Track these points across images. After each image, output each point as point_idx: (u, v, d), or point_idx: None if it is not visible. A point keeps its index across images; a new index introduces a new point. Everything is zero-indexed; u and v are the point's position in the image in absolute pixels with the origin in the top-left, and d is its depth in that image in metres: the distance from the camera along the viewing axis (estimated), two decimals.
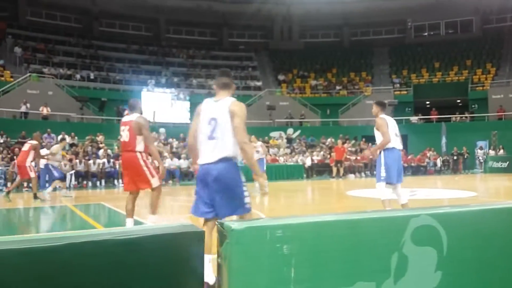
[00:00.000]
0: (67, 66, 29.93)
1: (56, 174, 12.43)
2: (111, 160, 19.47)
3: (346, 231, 2.37)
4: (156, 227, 2.03)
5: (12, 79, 25.63)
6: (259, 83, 34.66)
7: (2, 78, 25.89)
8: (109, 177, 19.35)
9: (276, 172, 21.00)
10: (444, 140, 27.63)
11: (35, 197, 11.88)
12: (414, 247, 2.52)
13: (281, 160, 23.81)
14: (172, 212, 10.54)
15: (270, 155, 23.48)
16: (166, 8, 36.25)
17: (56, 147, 13.13)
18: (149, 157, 6.18)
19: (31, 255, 1.65)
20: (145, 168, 5.92)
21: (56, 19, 34.73)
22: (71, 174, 18.11)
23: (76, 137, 21.61)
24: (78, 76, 29.51)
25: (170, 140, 24.22)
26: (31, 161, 11.95)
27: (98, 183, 18.91)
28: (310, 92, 34.34)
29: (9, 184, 16.86)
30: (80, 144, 20.67)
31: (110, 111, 26.94)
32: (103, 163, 19.17)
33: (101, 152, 20.19)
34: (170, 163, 20.17)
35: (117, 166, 19.10)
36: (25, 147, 12.10)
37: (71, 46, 32.36)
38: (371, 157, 7.33)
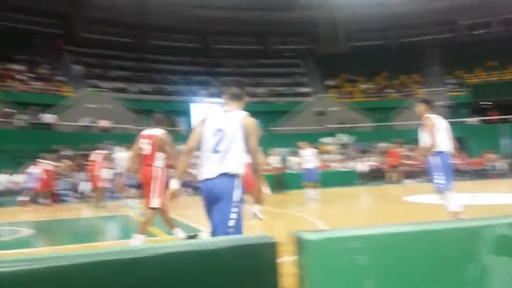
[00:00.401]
0: (122, 80, 31.19)
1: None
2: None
3: (424, 241, 2.38)
4: (234, 238, 2.12)
5: (72, 94, 27.01)
6: (307, 90, 34.64)
7: (63, 94, 27.33)
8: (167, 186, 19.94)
9: (328, 178, 20.87)
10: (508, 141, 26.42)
11: (98, 206, 12.36)
12: (492, 257, 2.48)
13: (333, 166, 23.65)
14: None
15: (322, 161, 23.38)
16: (212, 19, 37.03)
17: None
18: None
19: (117, 267, 1.78)
20: (154, 184, 5.85)
21: (109, 35, 36.28)
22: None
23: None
24: (133, 89, 30.68)
25: None
26: (103, 170, 12.55)
27: None
28: (360, 96, 33.93)
29: (73, 194, 17.76)
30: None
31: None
32: None
33: None
34: None
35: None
36: (97, 157, 12.55)
37: (125, 60, 33.70)
38: (417, 161, 6.91)
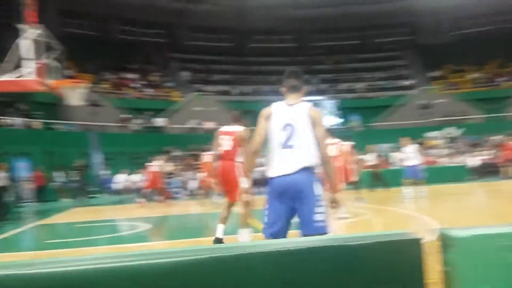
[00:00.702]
0: (224, 83, 32.62)
1: None
2: None
3: None
4: (379, 234, 2.04)
5: (180, 99, 28.85)
6: (409, 82, 33.28)
7: (172, 99, 29.31)
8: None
9: (436, 175, 19.93)
10: None
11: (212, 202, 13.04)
12: None
13: (441, 161, 22.52)
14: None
15: (428, 157, 22.39)
16: (309, 18, 37.12)
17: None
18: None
19: (277, 257, 1.86)
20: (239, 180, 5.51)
21: (211, 41, 38.08)
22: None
23: None
24: (235, 92, 31.93)
25: None
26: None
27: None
28: (467, 87, 31.80)
29: (184, 191, 19.02)
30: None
31: None
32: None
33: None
34: None
35: None
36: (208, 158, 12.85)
37: (226, 64, 35.17)
38: None
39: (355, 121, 29.36)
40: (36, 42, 10.96)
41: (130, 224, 10.74)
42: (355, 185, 12.17)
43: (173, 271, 1.74)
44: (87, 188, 17.67)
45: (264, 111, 3.53)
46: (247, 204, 3.79)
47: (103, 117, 23.02)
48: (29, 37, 11.08)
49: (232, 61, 35.64)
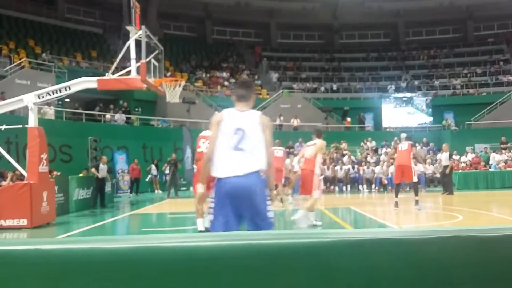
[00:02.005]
0: (312, 80, 32.66)
1: None
2: (355, 166, 20.42)
3: None
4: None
5: (268, 96, 29.41)
6: None
7: (260, 96, 29.95)
8: (353, 182, 20.32)
9: None
10: None
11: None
12: None
13: None
14: (419, 220, 10.57)
15: None
16: (405, 11, 35.77)
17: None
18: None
19: (405, 245, 1.81)
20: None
21: (301, 38, 38.21)
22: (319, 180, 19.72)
23: None
24: (322, 89, 31.85)
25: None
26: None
27: (344, 188, 20.05)
28: None
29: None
30: (327, 151, 22.29)
31: (352, 119, 28.15)
32: (348, 169, 20.25)
33: (345, 158, 21.37)
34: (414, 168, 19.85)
35: (361, 172, 19.98)
36: (279, 153, 12.84)
37: (315, 61, 35.13)
38: None
39: (449, 119, 27.84)
40: (139, 43, 11.87)
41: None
42: (414, 186, 11.84)
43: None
44: (179, 181, 18.75)
45: (216, 117, 3.73)
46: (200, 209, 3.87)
47: (196, 114, 24.22)
48: (133, 38, 12.04)
49: (322, 58, 35.51)
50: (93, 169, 14.51)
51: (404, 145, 11.60)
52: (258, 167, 3.52)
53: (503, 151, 22.10)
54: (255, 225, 3.51)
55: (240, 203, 3.49)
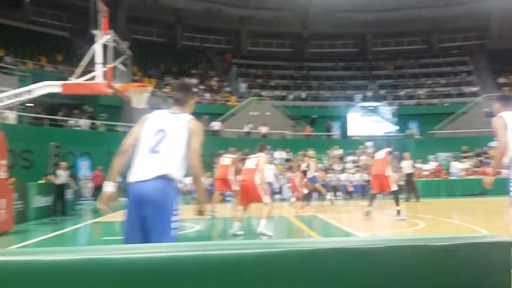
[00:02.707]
0: (282, 88, 32.92)
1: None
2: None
3: None
4: (465, 236, 1.97)
5: (237, 103, 29.44)
6: (475, 89, 31.85)
7: (229, 103, 29.96)
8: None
9: (499, 187, 19.05)
10: None
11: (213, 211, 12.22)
12: None
13: (504, 173, 21.40)
14: (382, 227, 10.75)
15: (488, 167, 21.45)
16: (373, 22, 36.55)
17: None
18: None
19: (353, 254, 1.81)
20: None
21: (272, 46, 38.50)
22: (287, 187, 19.87)
23: (290, 153, 23.56)
24: (291, 97, 32.12)
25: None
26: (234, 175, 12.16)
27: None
28: None
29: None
30: (294, 159, 22.45)
31: (320, 127, 28.48)
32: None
33: (312, 165, 21.50)
34: None
35: (327, 179, 20.18)
36: (226, 161, 12.28)
37: (285, 69, 35.43)
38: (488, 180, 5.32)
39: (414, 128, 28.55)
40: (106, 47, 11.72)
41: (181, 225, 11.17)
42: (395, 195, 11.08)
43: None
44: None
45: (144, 116, 3.45)
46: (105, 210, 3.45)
47: None
48: (100, 43, 11.87)
49: (291, 66, 35.85)
50: (50, 176, 14.08)
51: (381, 153, 11.15)
52: (168, 171, 3.18)
53: (464, 159, 22.79)
54: (153, 236, 3.13)
55: (144, 210, 3.14)
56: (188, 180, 18.31)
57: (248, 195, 8.25)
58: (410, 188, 17.27)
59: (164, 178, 3.18)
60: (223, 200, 17.08)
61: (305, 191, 14.48)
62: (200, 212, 3.51)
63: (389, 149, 11.18)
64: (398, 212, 10.75)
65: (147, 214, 3.14)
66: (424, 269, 1.85)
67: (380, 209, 14.54)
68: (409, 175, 17.12)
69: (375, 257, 1.81)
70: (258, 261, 1.73)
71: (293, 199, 15.85)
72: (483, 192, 19.36)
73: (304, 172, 14.78)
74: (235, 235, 8.36)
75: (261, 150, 8.58)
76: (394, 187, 10.79)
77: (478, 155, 23.19)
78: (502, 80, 32.13)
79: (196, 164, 3.29)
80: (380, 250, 1.81)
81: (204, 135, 3.47)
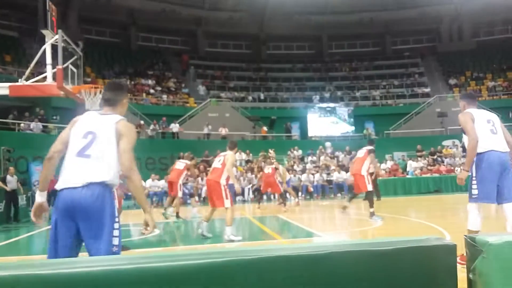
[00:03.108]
0: (240, 90, 32.82)
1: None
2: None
3: None
4: (409, 239, 1.97)
5: (195, 105, 29.09)
6: (427, 90, 32.95)
7: (188, 105, 29.56)
8: (285, 192, 20.50)
9: (453, 184, 19.71)
10: None
11: (178, 216, 12.05)
12: None
13: (458, 170, 22.17)
14: (343, 227, 10.81)
15: (445, 165, 22.17)
16: (328, 25, 37.10)
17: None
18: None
19: (300, 261, 1.79)
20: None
21: (229, 47, 38.36)
22: (248, 188, 19.75)
23: (250, 154, 23.47)
24: (250, 98, 32.10)
25: (337, 153, 24.55)
26: (183, 180, 12.25)
27: (272, 196, 20.19)
28: (487, 95, 31.31)
29: (196, 197, 19.18)
30: (255, 160, 22.38)
31: (279, 128, 28.58)
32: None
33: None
34: (338, 176, 20.47)
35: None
36: (180, 165, 12.17)
37: (243, 71, 35.37)
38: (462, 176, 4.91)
39: (370, 128, 29.17)
40: (56, 47, 11.25)
41: (137, 229, 10.86)
42: (368, 196, 10.80)
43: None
44: None
45: (74, 119, 3.26)
46: (39, 222, 3.16)
47: None
48: (49, 43, 11.39)
49: (249, 67, 35.83)
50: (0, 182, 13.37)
51: (361, 152, 10.79)
52: (102, 178, 2.95)
53: (419, 158, 23.45)
54: (92, 247, 2.88)
55: (76, 220, 2.89)
56: (148, 183, 18.10)
57: (211, 195, 8.06)
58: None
59: (99, 184, 2.94)
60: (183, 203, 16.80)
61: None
62: (146, 224, 3.19)
63: (370, 148, 10.73)
64: (372, 213, 10.35)
65: (81, 224, 2.90)
66: (370, 274, 1.85)
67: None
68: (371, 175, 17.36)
69: (319, 263, 1.80)
70: (199, 271, 1.69)
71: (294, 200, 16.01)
72: (438, 190, 20.10)
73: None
74: (204, 236, 8.17)
75: (231, 148, 8.32)
76: (369, 188, 10.47)
77: (432, 153, 23.92)
78: (452, 81, 33.39)
79: (128, 165, 3.03)
80: (324, 256, 1.81)
81: (136, 136, 3.25)
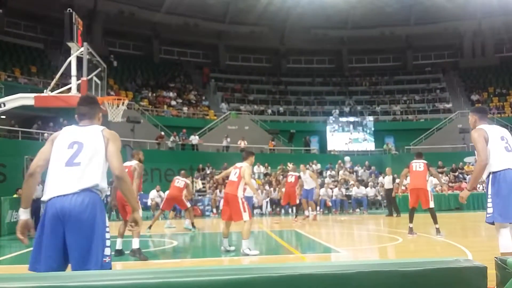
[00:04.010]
0: (260, 103, 32.98)
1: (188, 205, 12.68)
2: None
3: None
4: (438, 260, 1.91)
5: (215, 117, 29.32)
6: (448, 105, 32.59)
7: (208, 117, 29.82)
8: (300, 204, 20.41)
9: (474, 202, 19.40)
10: None
11: (193, 226, 12.49)
12: None
13: (480, 188, 21.75)
14: (362, 243, 10.71)
15: (467, 182, 21.78)
16: (349, 39, 37.15)
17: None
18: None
19: (326, 280, 1.74)
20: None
21: (249, 61, 38.67)
22: (266, 202, 19.73)
23: (269, 167, 23.49)
24: (269, 111, 32.21)
25: (356, 168, 24.38)
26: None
27: (290, 210, 20.11)
28: (510, 111, 30.81)
29: (214, 210, 19.25)
30: (273, 174, 22.37)
31: (298, 142, 28.56)
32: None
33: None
34: (357, 191, 20.31)
35: None
36: (180, 183, 12.41)
37: (263, 84, 35.57)
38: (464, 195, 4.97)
39: (390, 143, 28.92)
40: (80, 59, 11.53)
41: (158, 241, 10.95)
42: (432, 212, 10.06)
43: None
44: None
45: (53, 135, 3.24)
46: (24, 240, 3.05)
47: (141, 134, 23.66)
48: (75, 55, 11.68)
49: (269, 81, 36.02)
50: None
51: (419, 165, 10.14)
52: (93, 185, 2.94)
53: (440, 175, 23.09)
54: (79, 260, 2.80)
55: (66, 228, 2.82)
56: (153, 194, 18.21)
57: (229, 209, 7.99)
58: (390, 203, 17.43)
59: (89, 191, 2.92)
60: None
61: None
62: (135, 222, 3.20)
63: (425, 161, 10.27)
64: (438, 230, 9.90)
65: (72, 233, 2.82)
66: None
67: (361, 223, 14.56)
68: (389, 191, 17.25)
69: (346, 283, 1.76)
70: (227, 287, 1.67)
71: (309, 213, 15.62)
72: (459, 207, 19.74)
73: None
74: (227, 251, 8.14)
75: (246, 157, 8.20)
76: (431, 204, 9.95)
77: (453, 170, 23.55)
78: (475, 97, 32.97)
79: (119, 166, 3.07)
80: (351, 275, 1.76)
81: (120, 142, 3.27)
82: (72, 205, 2.84)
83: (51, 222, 2.85)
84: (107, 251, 2.94)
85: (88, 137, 3.09)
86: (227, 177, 8.44)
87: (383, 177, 19.30)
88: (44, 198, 2.95)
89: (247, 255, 7.74)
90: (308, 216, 15.39)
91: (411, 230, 10.11)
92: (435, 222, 9.99)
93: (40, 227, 2.91)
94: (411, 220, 10.24)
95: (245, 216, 7.79)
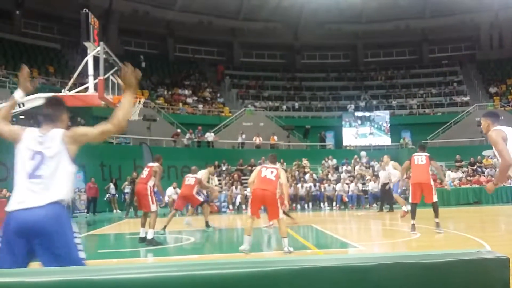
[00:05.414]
0: (274, 99, 32.96)
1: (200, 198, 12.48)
2: (317, 184, 20.56)
3: None
4: (460, 252, 1.89)
5: (230, 114, 29.40)
6: (466, 98, 32.13)
7: (223, 114, 29.93)
8: (315, 200, 20.43)
9: (493, 196, 19.10)
10: None
11: (207, 225, 12.26)
12: None
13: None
14: (379, 237, 10.67)
15: (485, 176, 21.53)
16: (364, 34, 36.85)
17: (201, 173, 13.38)
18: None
19: (347, 273, 1.73)
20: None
21: (264, 57, 38.63)
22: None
23: (284, 163, 23.48)
24: (284, 107, 32.17)
25: (372, 163, 24.24)
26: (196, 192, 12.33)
27: (305, 205, 20.13)
28: None
29: (230, 206, 19.34)
30: (289, 169, 22.37)
31: (313, 137, 28.49)
32: (310, 187, 20.36)
33: (307, 176, 21.49)
34: (373, 186, 20.20)
35: (322, 190, 20.09)
36: (191, 181, 12.26)
37: (277, 80, 35.53)
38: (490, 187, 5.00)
39: (407, 138, 28.66)
40: (97, 59, 11.65)
41: (176, 237, 11.06)
42: (434, 207, 9.90)
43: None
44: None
45: (23, 128, 3.23)
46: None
47: (157, 132, 23.87)
48: (91, 54, 11.82)
49: (283, 77, 35.96)
50: None
51: (421, 158, 9.86)
52: (58, 197, 2.92)
53: (458, 169, 22.84)
54: (56, 263, 2.79)
55: (32, 241, 2.82)
56: (170, 191, 18.31)
57: (265, 205, 7.98)
58: (384, 199, 17.07)
59: (54, 204, 2.91)
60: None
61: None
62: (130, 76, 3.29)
63: (428, 154, 10.02)
64: (437, 224, 9.80)
65: (38, 246, 2.83)
66: (416, 287, 1.79)
67: (378, 218, 14.49)
68: (384, 186, 16.76)
69: (367, 275, 1.75)
70: (251, 279, 1.68)
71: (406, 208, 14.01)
72: (478, 201, 19.50)
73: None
74: (247, 252, 7.79)
75: (274, 161, 8.40)
76: (435, 198, 9.78)
77: (472, 164, 23.26)
78: (493, 89, 32.45)
79: (119, 122, 3.09)
80: (372, 268, 1.75)
81: (85, 130, 3.22)
82: (37, 219, 2.83)
83: (15, 235, 2.83)
84: (82, 254, 2.95)
85: (49, 146, 3.03)
86: (243, 173, 8.54)
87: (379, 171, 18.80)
88: (8, 208, 2.91)
89: (290, 252, 7.52)
90: (406, 212, 13.48)
91: (413, 227, 9.78)
92: (436, 216, 9.80)
93: (4, 239, 2.87)
94: (413, 217, 9.82)
95: (281, 213, 7.83)
